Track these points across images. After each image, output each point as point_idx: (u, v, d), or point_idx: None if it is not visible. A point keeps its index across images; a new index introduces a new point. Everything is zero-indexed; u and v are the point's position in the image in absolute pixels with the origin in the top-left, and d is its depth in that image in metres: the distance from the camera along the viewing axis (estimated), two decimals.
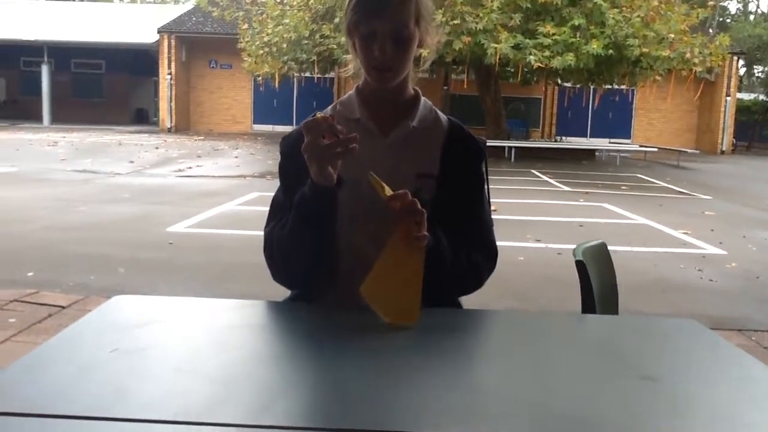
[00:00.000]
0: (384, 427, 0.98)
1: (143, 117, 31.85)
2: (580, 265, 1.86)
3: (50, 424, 0.98)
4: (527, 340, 1.45)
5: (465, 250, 1.64)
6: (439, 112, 1.76)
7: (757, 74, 37.73)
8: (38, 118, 27.74)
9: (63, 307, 4.14)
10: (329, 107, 1.78)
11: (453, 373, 1.22)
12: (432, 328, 1.44)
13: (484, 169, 1.74)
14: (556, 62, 16.01)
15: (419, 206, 1.43)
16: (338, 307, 1.61)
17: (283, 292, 1.74)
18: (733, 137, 27.75)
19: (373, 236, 1.65)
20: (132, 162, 14.51)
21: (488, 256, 1.73)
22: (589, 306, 1.84)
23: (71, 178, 11.75)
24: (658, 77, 18.10)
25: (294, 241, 1.57)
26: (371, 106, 1.70)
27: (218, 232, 7.12)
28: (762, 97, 32.98)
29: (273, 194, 1.72)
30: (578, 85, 21.60)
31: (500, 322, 1.60)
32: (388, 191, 1.42)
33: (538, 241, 7.22)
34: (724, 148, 27.06)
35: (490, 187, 1.79)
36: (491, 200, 1.80)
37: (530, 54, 16.04)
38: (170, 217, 7.84)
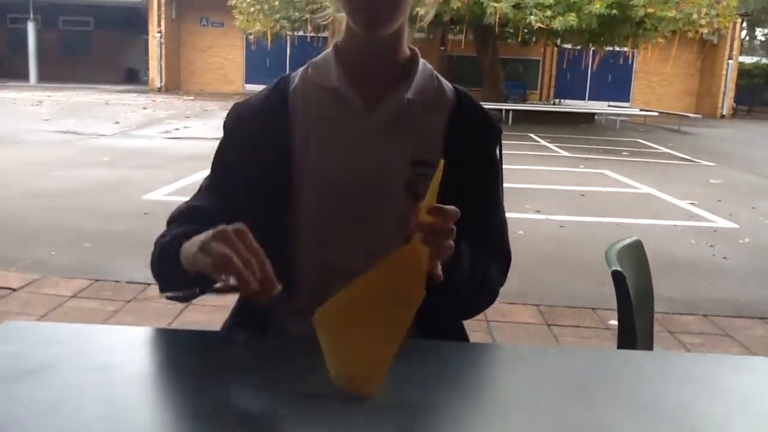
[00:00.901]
0: None
1: (134, 76, 31.08)
2: (618, 276, 1.45)
3: None
4: (552, 391, 1.05)
5: (479, 262, 1.24)
6: (443, 80, 1.33)
7: (759, 37, 37.03)
8: (25, 77, 27.01)
9: (13, 290, 3.74)
10: (300, 70, 1.36)
11: None
12: (432, 373, 1.04)
13: (498, 154, 1.33)
14: (558, 23, 15.46)
15: (453, 239, 1.00)
16: (296, 340, 1.22)
17: None
18: (734, 101, 27.26)
19: (350, 249, 1.26)
20: (117, 123, 13.99)
21: (502, 264, 1.34)
22: (627, 329, 1.45)
23: (52, 139, 11.25)
24: (661, 39, 17.52)
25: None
26: (353, 70, 1.27)
27: None
28: (764, 60, 32.38)
29: None
30: (578, 47, 21.01)
31: (518, 363, 1.19)
32: (431, 197, 0.97)
33: (538, 212, 6.82)
34: (724, 113, 26.60)
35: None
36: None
37: (531, 14, 15.47)
38: (150, 182, 7.39)
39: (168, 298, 1.12)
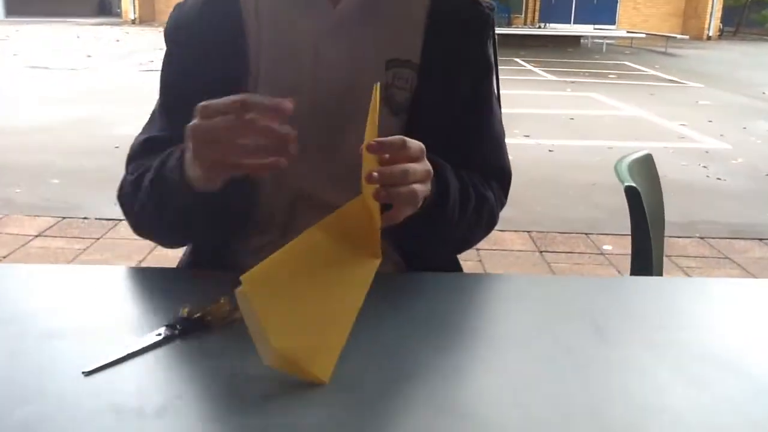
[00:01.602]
0: None
1: (106, 8, 30.10)
2: (631, 192, 1.26)
3: None
4: (563, 324, 0.87)
5: (474, 190, 1.05)
6: None
7: None
8: None
9: None
10: None
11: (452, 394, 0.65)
12: (426, 307, 0.87)
13: (491, 51, 1.12)
14: None
15: (416, 180, 0.81)
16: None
17: None
18: (720, 22, 26.85)
19: (318, 173, 1.06)
20: (89, 56, 13.49)
21: (501, 185, 1.14)
22: (642, 252, 1.27)
23: (19, 74, 10.82)
24: None
25: (159, 215, 1.00)
26: None
27: None
28: None
29: None
30: None
31: (523, 296, 1.01)
32: (371, 130, 0.77)
33: (527, 136, 6.61)
34: (710, 34, 26.22)
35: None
36: (500, 95, 1.21)
37: None
38: (122, 116, 7.07)
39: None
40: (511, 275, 1.19)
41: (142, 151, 1.06)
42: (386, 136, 0.99)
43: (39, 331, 0.81)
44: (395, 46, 1.05)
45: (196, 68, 1.03)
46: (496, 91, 1.16)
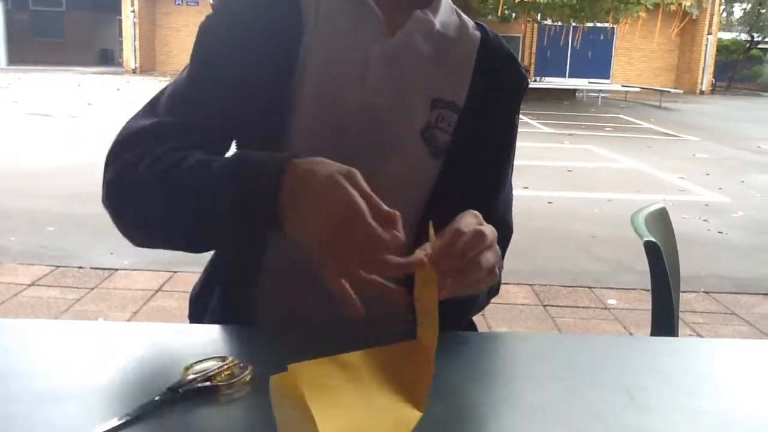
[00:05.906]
0: None
1: (108, 58, 30.48)
2: (651, 248, 1.21)
3: None
4: (598, 393, 0.81)
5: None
6: (463, 15, 1.09)
7: (737, 12, 36.93)
8: None
9: None
10: None
11: None
12: (438, 370, 0.81)
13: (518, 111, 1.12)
14: None
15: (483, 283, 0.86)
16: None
17: None
18: (713, 77, 27.26)
19: None
20: (89, 104, 13.57)
21: (501, 243, 1.09)
22: (665, 311, 1.21)
23: (20, 121, 10.85)
24: (643, 13, 17.33)
25: (178, 215, 0.87)
26: None
27: None
28: (743, 36, 32.39)
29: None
30: (559, 23, 20.81)
31: (545, 357, 0.95)
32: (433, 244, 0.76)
33: (526, 188, 6.60)
34: (703, 88, 26.61)
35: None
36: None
37: None
38: None
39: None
40: (531, 334, 1.14)
41: (157, 136, 0.92)
42: (425, 177, 1.00)
43: (30, 393, 0.76)
44: (442, 87, 1.03)
45: (245, 42, 0.95)
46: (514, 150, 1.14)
